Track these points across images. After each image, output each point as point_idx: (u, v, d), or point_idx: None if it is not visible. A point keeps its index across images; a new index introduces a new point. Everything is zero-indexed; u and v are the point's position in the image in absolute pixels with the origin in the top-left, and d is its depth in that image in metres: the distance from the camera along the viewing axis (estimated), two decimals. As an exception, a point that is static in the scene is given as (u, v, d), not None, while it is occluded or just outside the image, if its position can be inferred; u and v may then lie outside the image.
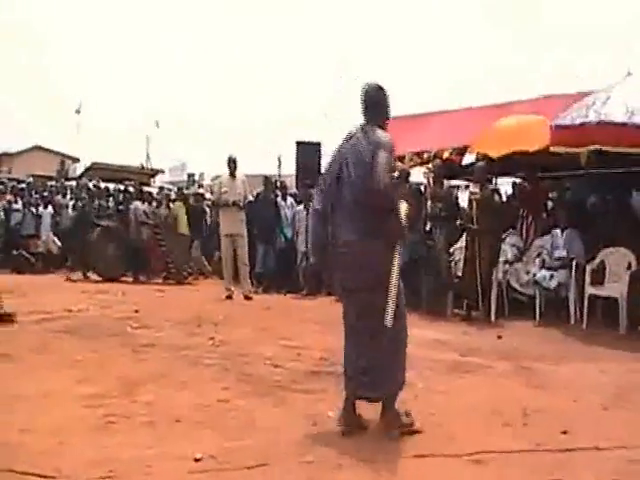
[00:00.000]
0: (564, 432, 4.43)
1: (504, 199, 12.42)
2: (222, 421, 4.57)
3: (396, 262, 4.20)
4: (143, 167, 24.33)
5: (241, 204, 11.09)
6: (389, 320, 4.09)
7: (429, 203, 9.55)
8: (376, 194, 4.11)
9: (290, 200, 13.57)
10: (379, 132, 4.31)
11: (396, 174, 4.29)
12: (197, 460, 3.81)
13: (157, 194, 16.30)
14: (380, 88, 4.47)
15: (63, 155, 28.32)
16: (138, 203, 14.63)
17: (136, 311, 9.15)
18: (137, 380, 5.57)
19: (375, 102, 4.44)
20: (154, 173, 22.28)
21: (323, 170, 4.68)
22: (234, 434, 4.28)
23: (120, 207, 15.09)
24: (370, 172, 4.10)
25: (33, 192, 17.33)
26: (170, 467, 3.72)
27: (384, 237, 4.24)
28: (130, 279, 13.76)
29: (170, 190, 18.12)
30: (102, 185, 17.16)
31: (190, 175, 27.96)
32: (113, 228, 14.04)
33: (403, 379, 4.46)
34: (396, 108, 4.75)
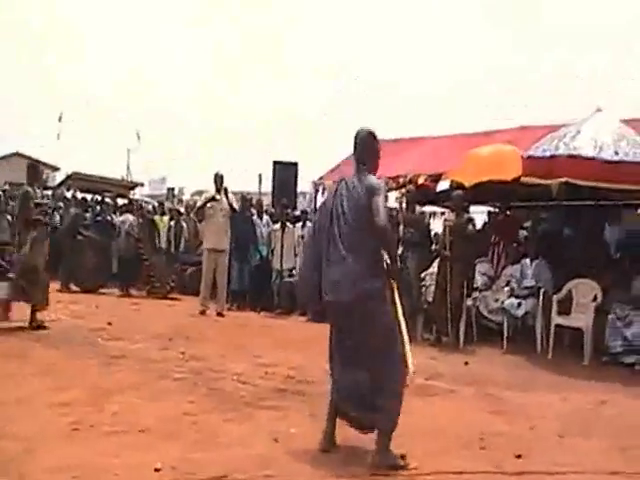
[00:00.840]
0: (518, 456, 4.57)
1: (479, 228, 12.68)
2: (186, 433, 4.66)
3: (397, 301, 4.44)
4: (123, 179, 24.30)
5: (234, 205, 11.41)
6: (412, 367, 4.39)
7: (401, 228, 9.69)
8: (379, 235, 4.34)
9: (266, 218, 13.70)
10: (372, 178, 4.52)
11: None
12: (157, 470, 3.90)
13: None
14: (371, 134, 4.69)
15: (43, 163, 28.20)
16: (129, 215, 14.71)
17: (109, 323, 9.20)
18: (106, 390, 5.66)
19: (367, 147, 4.66)
20: (133, 186, 22.22)
21: (316, 215, 4.94)
22: (197, 447, 4.37)
23: (98, 218, 15.09)
24: (371, 216, 4.31)
25: (9, 200, 17.24)
26: (132, 476, 3.80)
27: (379, 272, 4.41)
28: (107, 290, 13.71)
29: (147, 203, 18.17)
30: (79, 195, 17.15)
31: (170, 189, 28.01)
32: (94, 239, 14.06)
33: (398, 414, 4.37)
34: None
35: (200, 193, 24.60)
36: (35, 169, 8.95)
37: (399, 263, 4.66)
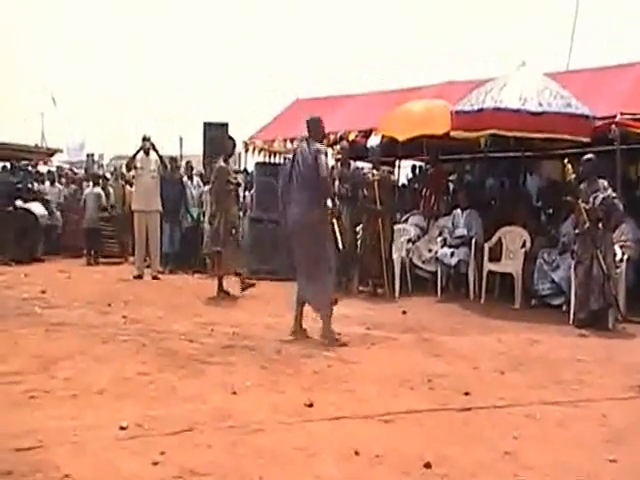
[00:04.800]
0: (466, 393, 4.82)
1: (404, 182, 12.97)
2: (144, 392, 4.69)
3: (330, 225, 6.68)
4: (37, 146, 23.49)
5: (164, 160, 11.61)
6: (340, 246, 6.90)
7: (337, 183, 9.79)
8: (320, 182, 6.48)
9: (196, 180, 13.61)
10: (317, 144, 6.64)
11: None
12: (123, 428, 3.93)
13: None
14: (318, 119, 6.86)
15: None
16: (97, 188, 14.66)
17: (43, 292, 9.07)
18: (53, 357, 5.59)
19: (314, 127, 6.79)
20: (52, 153, 21.61)
21: (283, 168, 7.18)
22: (157, 404, 4.42)
23: (19, 186, 14.64)
24: (316, 169, 6.44)
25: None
26: (97, 435, 3.83)
27: (321, 208, 6.57)
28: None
29: (71, 170, 17.80)
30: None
31: (89, 155, 27.25)
32: (21, 208, 13.72)
33: (332, 299, 6.68)
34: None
35: (120, 158, 24.12)
36: (233, 146, 9.82)
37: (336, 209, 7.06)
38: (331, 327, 6.58)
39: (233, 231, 9.24)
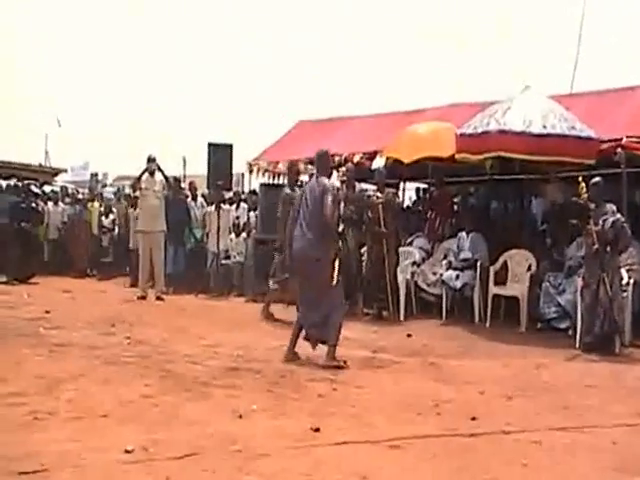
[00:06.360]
0: (473, 419, 4.77)
1: (408, 204, 12.96)
2: (148, 415, 4.65)
3: (336, 258, 6.66)
4: (41, 165, 23.55)
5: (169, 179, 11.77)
6: (335, 281, 6.53)
7: (342, 206, 9.76)
8: (325, 219, 6.53)
9: (200, 200, 13.64)
10: (325, 180, 6.75)
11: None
12: (128, 452, 3.88)
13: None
14: (326, 152, 7.06)
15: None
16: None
17: (47, 312, 9.03)
18: (57, 379, 5.55)
19: (322, 161, 6.97)
20: (56, 172, 21.68)
21: (295, 204, 7.08)
22: (162, 427, 4.38)
23: (23, 206, 14.65)
24: (321, 206, 6.53)
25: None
26: (101, 459, 3.78)
27: (326, 245, 6.63)
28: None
29: (78, 190, 17.91)
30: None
31: (93, 174, 27.34)
32: (22, 228, 13.73)
33: (339, 332, 6.60)
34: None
35: (123, 178, 24.17)
36: (297, 171, 9.84)
37: (340, 241, 7.13)
38: (335, 359, 6.49)
39: None
